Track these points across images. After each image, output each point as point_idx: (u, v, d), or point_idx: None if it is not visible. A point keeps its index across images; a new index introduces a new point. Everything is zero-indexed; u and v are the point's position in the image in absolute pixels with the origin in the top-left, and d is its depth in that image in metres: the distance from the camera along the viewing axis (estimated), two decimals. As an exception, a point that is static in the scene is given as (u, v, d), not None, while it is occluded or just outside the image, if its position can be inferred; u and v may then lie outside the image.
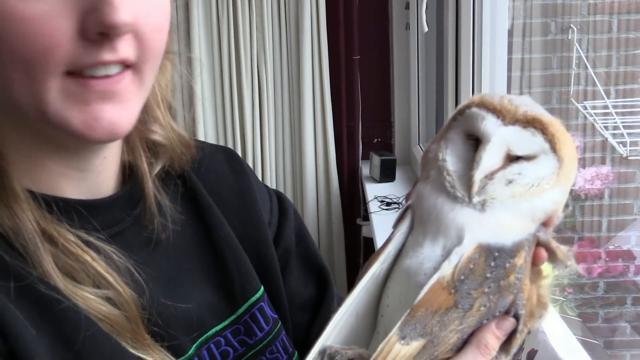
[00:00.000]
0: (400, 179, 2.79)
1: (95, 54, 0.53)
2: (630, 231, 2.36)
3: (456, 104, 2.02)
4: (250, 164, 2.93)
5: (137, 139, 0.71)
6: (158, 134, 0.72)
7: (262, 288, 0.76)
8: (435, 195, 0.53)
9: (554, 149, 0.52)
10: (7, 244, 0.56)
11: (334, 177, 3.04)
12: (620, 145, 1.71)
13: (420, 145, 2.98)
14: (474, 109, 0.53)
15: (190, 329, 0.68)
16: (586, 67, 2.20)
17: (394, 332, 0.50)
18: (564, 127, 0.53)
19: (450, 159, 0.54)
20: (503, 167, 0.52)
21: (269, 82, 2.95)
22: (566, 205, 0.55)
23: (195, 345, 0.68)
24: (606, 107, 1.86)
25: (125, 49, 0.55)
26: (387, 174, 2.76)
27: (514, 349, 0.55)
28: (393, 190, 2.61)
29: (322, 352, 0.52)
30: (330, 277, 0.86)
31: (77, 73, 0.54)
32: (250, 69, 2.91)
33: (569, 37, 2.30)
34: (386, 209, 2.39)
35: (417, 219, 0.55)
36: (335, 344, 0.54)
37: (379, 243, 2.05)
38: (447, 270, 0.50)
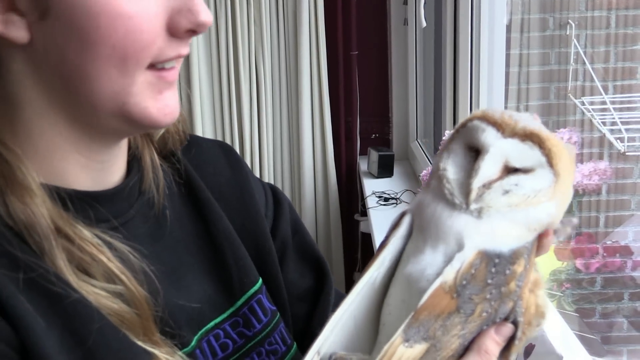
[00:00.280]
0: (398, 175, 2.79)
1: (177, 49, 0.60)
2: (628, 227, 2.36)
3: (454, 99, 2.02)
4: (247, 159, 2.93)
5: None
6: None
7: (260, 280, 0.77)
8: (435, 202, 0.55)
9: (550, 163, 0.54)
10: (19, 238, 0.56)
11: (332, 172, 3.04)
12: (618, 141, 1.71)
13: (418, 141, 2.98)
14: (476, 122, 0.55)
15: (191, 322, 0.69)
16: (584, 63, 2.20)
17: (398, 334, 0.51)
18: (562, 143, 0.55)
19: (451, 168, 0.56)
20: (500, 177, 0.54)
21: (266, 78, 2.94)
22: (564, 226, 0.57)
23: (196, 337, 0.69)
24: (604, 102, 1.86)
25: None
26: (385, 170, 2.76)
27: (512, 355, 0.56)
28: (391, 185, 2.62)
29: (329, 358, 0.53)
30: (327, 267, 0.88)
31: (152, 65, 0.59)
32: (248, 64, 2.91)
33: (567, 33, 2.30)
34: (384, 205, 2.39)
35: (416, 227, 0.57)
36: (334, 347, 0.55)
37: (376, 239, 2.05)
38: (449, 274, 0.51)
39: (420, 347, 0.51)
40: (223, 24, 2.84)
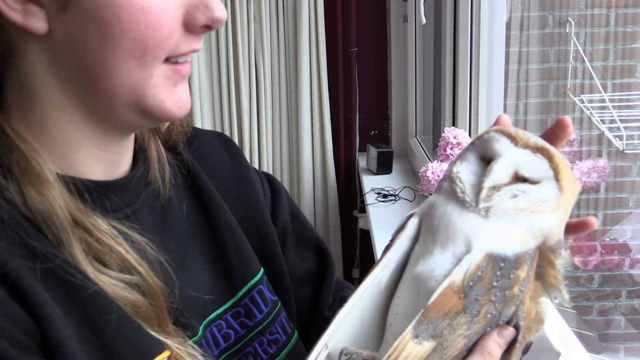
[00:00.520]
0: (397, 171, 2.79)
1: (192, 43, 0.62)
2: (626, 225, 2.37)
3: (454, 97, 2.02)
4: (247, 155, 2.93)
5: None
6: None
7: (262, 271, 0.78)
8: (445, 203, 0.58)
9: (557, 177, 0.57)
10: (36, 229, 0.57)
11: (331, 169, 3.04)
12: (617, 138, 1.72)
13: (417, 137, 2.98)
14: (492, 134, 0.59)
15: (197, 312, 0.70)
16: (583, 61, 2.20)
17: (408, 330, 0.52)
18: (569, 165, 0.58)
19: (464, 172, 0.59)
20: (510, 183, 0.57)
21: (266, 74, 2.94)
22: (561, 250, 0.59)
23: (201, 327, 0.70)
24: (603, 100, 1.87)
25: None
26: (384, 166, 2.76)
27: (513, 358, 0.58)
28: (390, 182, 2.62)
29: (340, 352, 0.55)
30: (327, 249, 0.90)
31: (167, 59, 0.61)
32: (247, 60, 2.91)
33: (567, 31, 2.30)
34: (383, 201, 2.40)
35: (425, 228, 0.59)
36: (341, 342, 0.57)
37: (375, 235, 2.05)
38: (458, 275, 0.53)
39: (428, 345, 0.53)
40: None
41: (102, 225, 0.60)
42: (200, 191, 0.76)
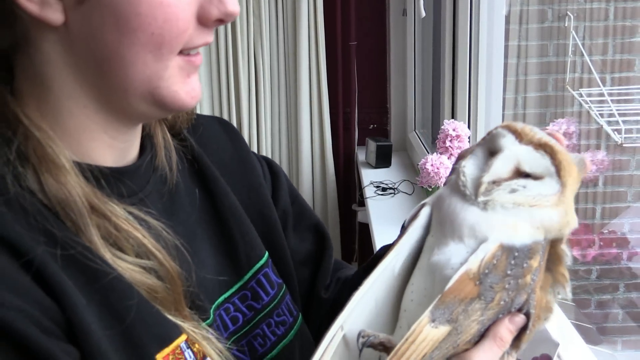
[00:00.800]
0: (396, 165, 2.80)
1: (205, 37, 0.63)
2: (624, 218, 2.37)
3: (453, 90, 2.02)
4: (246, 149, 2.93)
5: None
6: None
7: (267, 254, 0.79)
8: (450, 196, 0.60)
9: (559, 174, 0.58)
10: (54, 216, 0.57)
11: (330, 162, 3.05)
12: (615, 132, 1.72)
13: (416, 131, 2.98)
14: (499, 129, 0.61)
15: (208, 295, 0.71)
16: (582, 55, 2.20)
17: (425, 315, 0.55)
18: (573, 159, 0.59)
19: (469, 166, 0.61)
20: (510, 178, 0.58)
21: (265, 68, 2.94)
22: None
23: (211, 311, 0.71)
24: (602, 94, 1.87)
25: None
26: (382, 160, 2.77)
27: (523, 345, 0.60)
28: (389, 175, 2.62)
29: (358, 335, 0.57)
30: (325, 230, 0.92)
31: (181, 51, 0.62)
32: (247, 54, 2.91)
33: (566, 25, 2.30)
34: (382, 195, 2.40)
35: (435, 219, 0.62)
36: (356, 324, 0.59)
37: (374, 228, 2.06)
38: (474, 263, 0.56)
39: (444, 329, 0.55)
40: (222, 14, 2.84)
41: (119, 211, 0.61)
42: (205, 176, 0.77)
